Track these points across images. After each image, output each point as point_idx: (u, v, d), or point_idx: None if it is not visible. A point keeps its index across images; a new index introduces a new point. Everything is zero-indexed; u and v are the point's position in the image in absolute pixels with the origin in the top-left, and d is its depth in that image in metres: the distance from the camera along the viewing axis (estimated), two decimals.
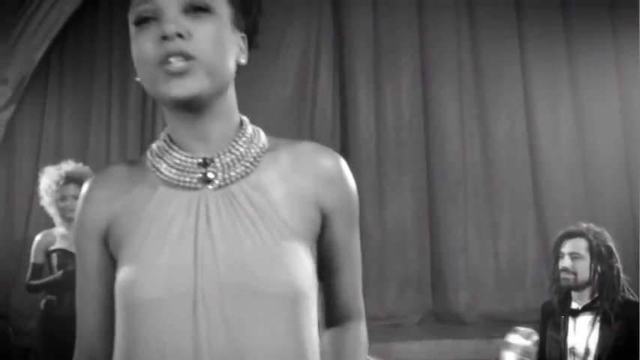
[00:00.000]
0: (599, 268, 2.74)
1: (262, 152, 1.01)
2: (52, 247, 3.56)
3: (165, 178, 0.99)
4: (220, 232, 0.95)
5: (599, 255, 2.76)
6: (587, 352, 2.71)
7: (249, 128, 1.03)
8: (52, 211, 3.56)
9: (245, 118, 1.05)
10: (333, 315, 1.10)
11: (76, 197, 3.49)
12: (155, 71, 0.93)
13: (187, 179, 0.98)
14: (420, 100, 5.53)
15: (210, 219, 0.96)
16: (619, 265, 2.77)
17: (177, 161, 1.00)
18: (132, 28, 0.96)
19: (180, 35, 0.92)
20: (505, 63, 5.52)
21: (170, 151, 1.01)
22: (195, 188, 0.98)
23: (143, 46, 0.93)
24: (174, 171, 0.99)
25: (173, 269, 0.93)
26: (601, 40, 5.37)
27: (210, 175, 0.98)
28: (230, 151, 1.00)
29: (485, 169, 5.44)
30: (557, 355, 2.80)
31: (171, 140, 1.02)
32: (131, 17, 0.96)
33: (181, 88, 0.92)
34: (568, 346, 2.77)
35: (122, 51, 5.65)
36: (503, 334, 4.35)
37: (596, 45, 5.37)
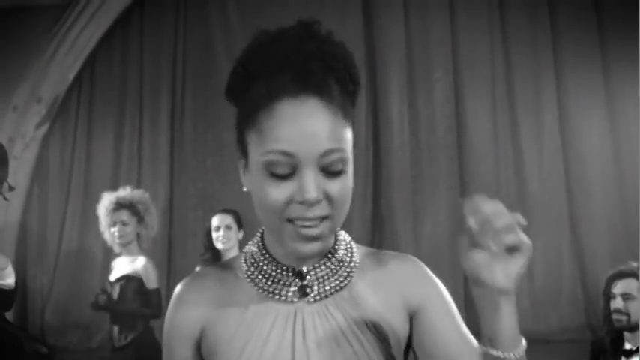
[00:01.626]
0: None
1: (355, 266, 1.02)
2: (111, 278, 3.58)
3: (261, 290, 1.00)
4: (316, 347, 0.96)
5: None
6: None
7: (343, 241, 1.04)
8: (106, 236, 3.61)
9: (340, 231, 1.05)
10: None
11: (124, 223, 3.51)
12: (282, 226, 0.92)
13: (283, 292, 0.99)
14: (453, 117, 5.49)
15: (306, 333, 0.96)
16: None
17: (273, 273, 1.00)
18: (257, 165, 0.92)
19: (318, 201, 0.90)
20: (539, 79, 5.47)
21: (264, 261, 1.01)
22: (292, 301, 0.99)
23: (273, 196, 0.90)
24: (267, 282, 1.00)
25: None
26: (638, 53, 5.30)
27: (307, 290, 0.99)
28: (325, 264, 1.00)
29: (519, 187, 5.39)
30: None
31: (265, 249, 1.02)
32: (260, 156, 0.91)
33: (311, 250, 0.93)
34: None
35: (152, 68, 5.67)
36: (538, 355, 4.37)
37: (633, 58, 5.30)
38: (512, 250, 0.84)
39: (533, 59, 5.47)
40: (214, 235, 3.58)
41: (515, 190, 5.39)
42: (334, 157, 0.90)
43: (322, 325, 0.97)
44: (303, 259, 0.99)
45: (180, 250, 5.36)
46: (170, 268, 5.35)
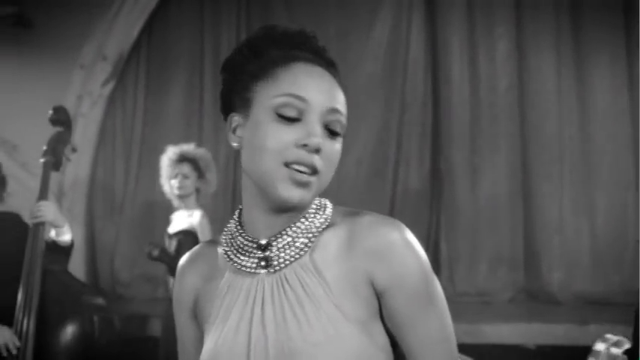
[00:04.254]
0: None
1: (320, 230, 1.02)
2: (169, 231, 3.67)
3: (234, 264, 1.05)
4: (272, 318, 0.98)
5: None
6: None
7: (313, 205, 1.04)
8: (166, 188, 3.70)
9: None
10: None
11: (185, 176, 3.60)
12: (278, 169, 0.96)
13: (248, 264, 1.03)
14: (516, 74, 5.36)
15: (264, 305, 1.00)
16: None
17: (243, 246, 1.04)
18: (265, 109, 0.98)
19: (317, 150, 0.97)
20: (607, 33, 5.26)
21: (237, 235, 1.06)
22: (255, 273, 1.02)
23: (277, 138, 0.96)
24: (239, 255, 1.04)
25: (231, 355, 0.99)
26: None
27: (264, 262, 1.01)
28: (287, 233, 1.02)
29: (584, 145, 5.26)
30: None
31: (240, 224, 1.07)
32: (272, 98, 0.98)
33: (299, 198, 0.97)
34: None
35: (214, 24, 5.72)
36: (596, 320, 4.32)
37: None
38: None
39: (601, 12, 5.26)
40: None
41: (579, 148, 5.26)
42: (337, 116, 1.00)
43: (279, 295, 0.99)
44: (272, 227, 1.01)
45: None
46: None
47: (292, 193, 0.96)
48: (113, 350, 2.81)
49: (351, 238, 1.00)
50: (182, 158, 3.62)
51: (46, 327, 2.73)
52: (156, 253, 3.47)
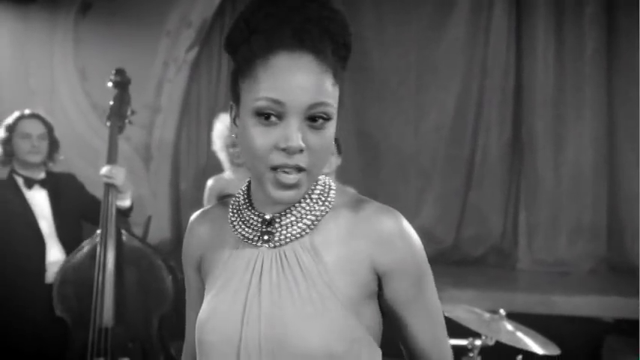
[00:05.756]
0: None
1: (323, 214, 1.06)
2: (225, 193, 3.61)
3: (238, 235, 1.10)
4: (268, 289, 1.04)
5: None
6: None
7: (318, 188, 1.08)
8: (222, 156, 3.67)
9: (323, 177, 1.10)
10: None
11: None
12: (265, 171, 1.00)
13: (251, 237, 1.08)
14: (603, 39, 5.16)
15: (262, 276, 1.06)
16: None
17: (249, 219, 1.09)
18: (247, 110, 1.00)
19: (301, 150, 0.98)
20: None
21: (244, 209, 1.11)
22: (257, 246, 1.08)
23: (259, 142, 0.98)
24: (244, 227, 1.09)
25: (226, 318, 1.05)
26: None
27: (267, 237, 1.07)
28: (292, 212, 1.06)
29: None
30: None
31: (247, 196, 1.12)
32: (252, 102, 0.98)
33: (288, 198, 1.01)
34: None
35: None
36: None
37: None
38: None
39: None
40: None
41: None
42: (320, 109, 0.98)
43: (277, 270, 1.05)
44: (279, 205, 1.05)
45: None
46: None
47: (282, 195, 1.00)
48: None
49: (354, 224, 1.05)
50: None
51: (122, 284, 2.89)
52: None
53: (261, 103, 0.97)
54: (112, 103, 3.06)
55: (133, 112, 3.11)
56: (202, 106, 5.94)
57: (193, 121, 5.94)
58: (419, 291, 1.07)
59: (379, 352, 1.09)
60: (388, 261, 1.04)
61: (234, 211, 1.12)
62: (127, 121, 3.09)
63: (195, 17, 5.58)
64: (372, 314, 1.06)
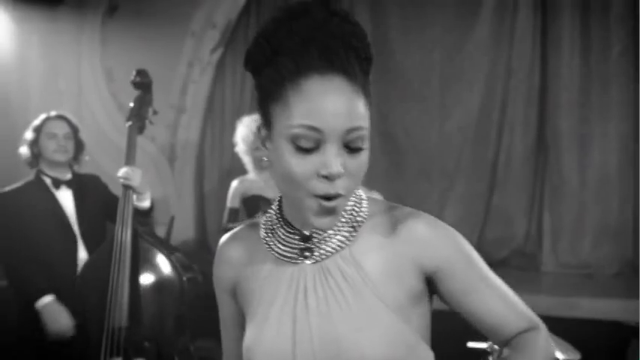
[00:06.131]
0: None
1: (359, 225, 1.07)
2: (249, 194, 3.68)
3: (274, 254, 1.09)
4: (315, 305, 1.03)
5: None
6: None
7: (352, 200, 1.08)
8: (246, 158, 3.70)
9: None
10: (502, 340, 1.11)
11: None
12: (306, 199, 0.99)
13: (290, 254, 1.07)
14: (631, 37, 5.08)
15: (307, 292, 1.05)
16: None
17: (285, 237, 1.09)
18: (282, 136, 0.97)
19: (339, 176, 0.97)
20: None
21: (278, 227, 1.10)
22: (297, 263, 1.07)
23: (299, 170, 0.96)
24: (281, 246, 1.08)
25: (276, 339, 1.04)
26: None
27: (307, 253, 1.06)
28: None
29: None
30: None
31: (281, 213, 1.11)
32: (287, 128, 0.96)
33: (328, 224, 1.01)
34: None
35: None
36: None
37: None
38: None
39: None
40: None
41: None
42: (356, 134, 0.96)
43: (322, 285, 1.04)
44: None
45: None
46: None
47: (322, 222, 1.00)
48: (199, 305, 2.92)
49: (393, 230, 1.06)
50: None
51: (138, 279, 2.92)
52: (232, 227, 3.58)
53: (298, 131, 0.95)
54: (131, 104, 3.06)
55: (155, 112, 3.10)
56: (227, 108, 5.97)
57: (218, 122, 5.98)
58: (473, 274, 1.08)
59: (432, 355, 1.09)
60: (434, 260, 1.05)
61: (268, 230, 1.11)
62: (147, 121, 3.09)
63: (219, 18, 5.62)
64: (420, 317, 1.06)
